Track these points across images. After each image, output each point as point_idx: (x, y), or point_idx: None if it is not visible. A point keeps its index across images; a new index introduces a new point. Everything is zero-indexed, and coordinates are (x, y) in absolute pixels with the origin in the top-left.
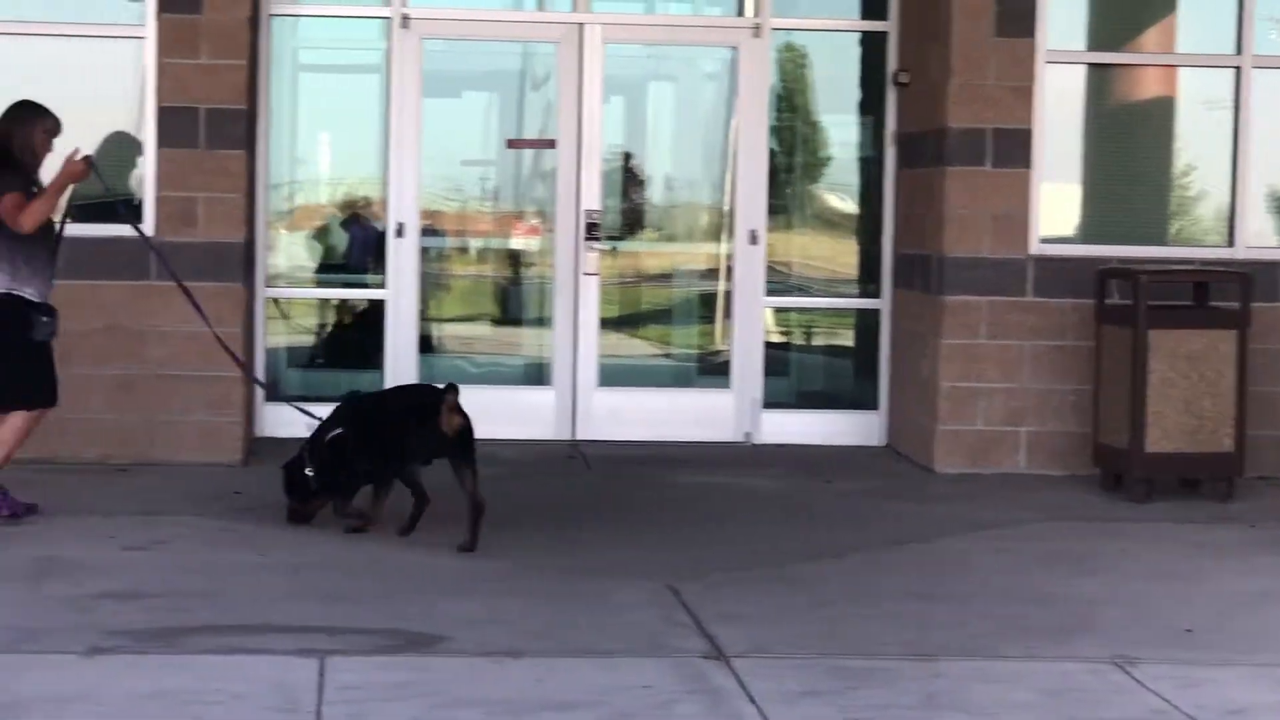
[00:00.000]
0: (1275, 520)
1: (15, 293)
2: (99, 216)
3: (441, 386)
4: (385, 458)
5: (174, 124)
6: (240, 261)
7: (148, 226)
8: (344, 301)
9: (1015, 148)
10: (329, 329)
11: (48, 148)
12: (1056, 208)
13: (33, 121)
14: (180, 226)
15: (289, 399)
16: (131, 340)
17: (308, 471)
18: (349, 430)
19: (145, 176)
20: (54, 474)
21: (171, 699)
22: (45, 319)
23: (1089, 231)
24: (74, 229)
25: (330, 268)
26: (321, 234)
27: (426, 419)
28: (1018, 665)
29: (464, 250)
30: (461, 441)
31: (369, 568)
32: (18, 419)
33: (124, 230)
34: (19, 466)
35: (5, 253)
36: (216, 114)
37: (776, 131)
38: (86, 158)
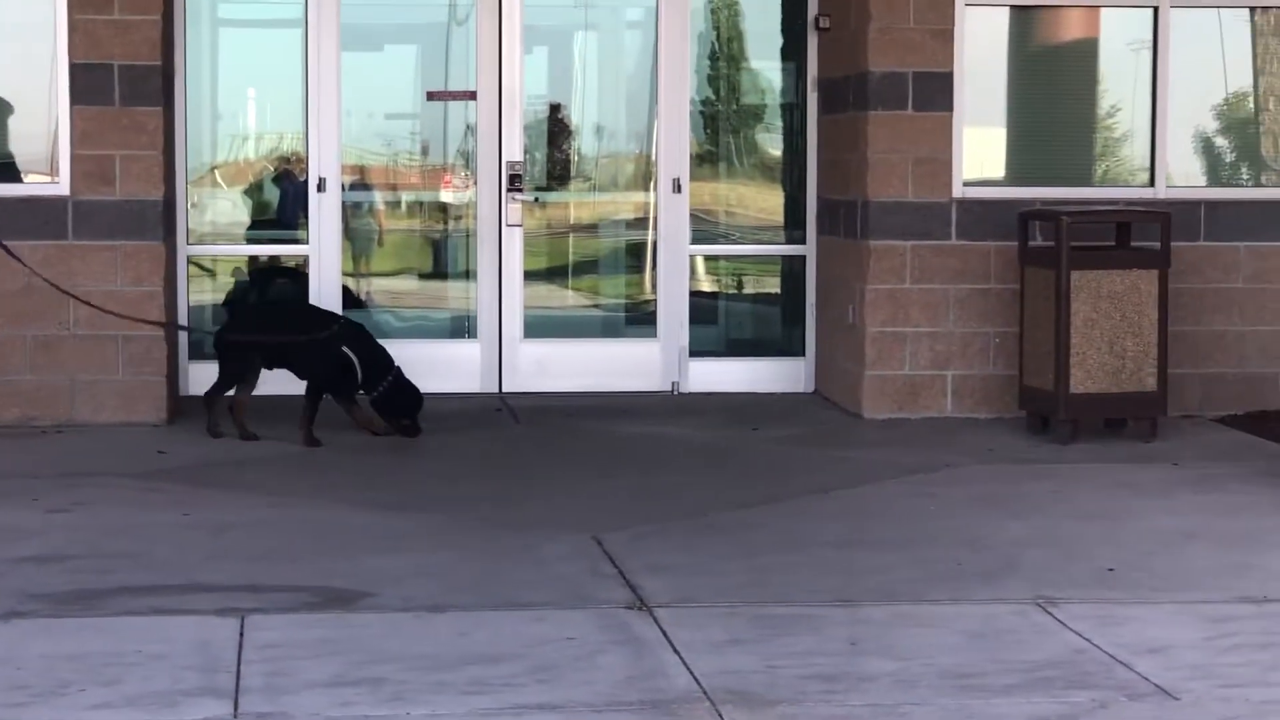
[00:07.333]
0: (1197, 458)
1: None
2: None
3: None
4: None
5: (88, 81)
6: (159, 219)
7: (64, 185)
8: (271, 258)
9: (937, 91)
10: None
11: None
12: (979, 151)
13: None
14: (97, 185)
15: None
16: (50, 300)
17: None
18: None
19: (60, 134)
20: None
21: (89, 660)
22: None
23: (1011, 174)
24: None
25: (260, 224)
26: (249, 191)
27: None
28: (943, 609)
29: (388, 204)
30: None
31: (297, 526)
32: None
33: (39, 189)
34: None
35: None
36: (131, 70)
37: (700, 79)
38: None
